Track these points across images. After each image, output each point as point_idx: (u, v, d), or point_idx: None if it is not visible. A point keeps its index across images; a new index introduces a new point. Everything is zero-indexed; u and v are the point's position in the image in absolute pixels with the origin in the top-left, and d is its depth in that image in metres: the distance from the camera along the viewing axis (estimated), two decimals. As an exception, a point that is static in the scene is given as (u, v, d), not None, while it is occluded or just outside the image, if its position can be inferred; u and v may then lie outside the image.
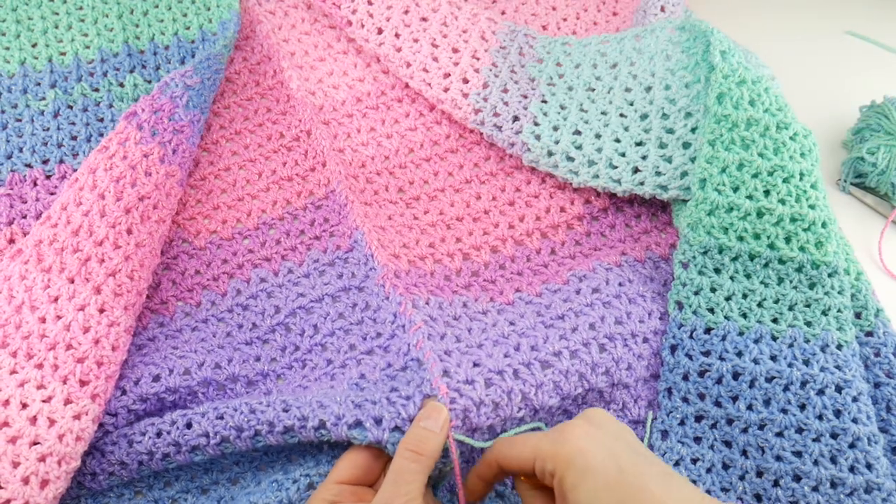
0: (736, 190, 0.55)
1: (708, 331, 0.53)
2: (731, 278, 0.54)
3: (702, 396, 0.52)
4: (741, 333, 0.53)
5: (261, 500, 0.48)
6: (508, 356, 0.50)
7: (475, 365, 0.49)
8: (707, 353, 0.52)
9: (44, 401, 0.48)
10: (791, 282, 0.54)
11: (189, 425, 0.49)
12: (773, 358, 0.52)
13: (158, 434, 0.49)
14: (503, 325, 0.54)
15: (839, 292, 0.53)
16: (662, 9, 0.68)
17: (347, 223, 0.60)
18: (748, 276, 0.54)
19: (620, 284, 0.56)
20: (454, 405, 0.46)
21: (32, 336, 0.50)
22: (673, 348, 0.53)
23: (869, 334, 0.55)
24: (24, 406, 0.48)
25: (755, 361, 0.51)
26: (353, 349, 0.55)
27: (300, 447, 0.50)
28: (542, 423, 0.52)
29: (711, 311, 0.54)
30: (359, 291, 0.57)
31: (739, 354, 0.52)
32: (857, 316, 0.55)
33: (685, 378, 0.52)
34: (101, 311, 0.52)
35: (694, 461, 0.51)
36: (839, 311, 0.53)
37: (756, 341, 0.52)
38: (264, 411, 0.48)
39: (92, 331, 0.51)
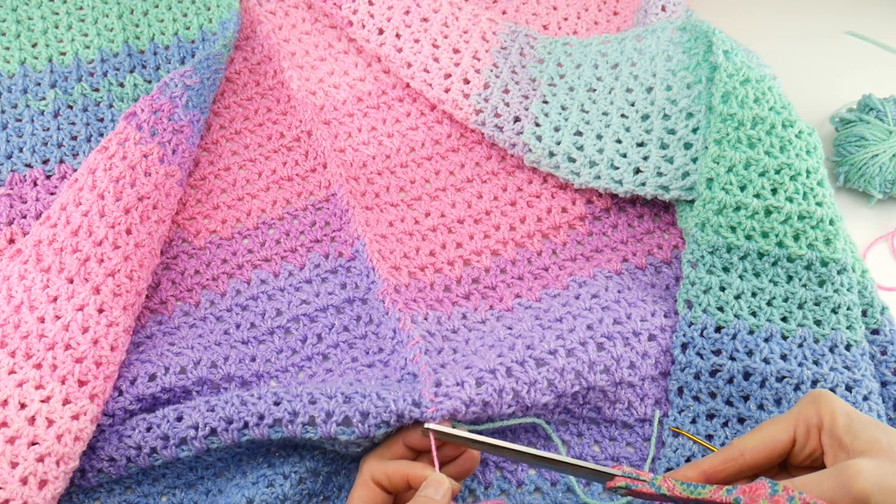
0: (743, 189, 0.55)
1: (718, 329, 0.53)
2: (740, 277, 0.54)
3: (713, 395, 0.52)
4: (751, 332, 0.53)
5: (257, 498, 0.48)
6: (502, 355, 0.50)
7: (466, 367, 0.49)
8: (718, 352, 0.52)
9: (42, 401, 0.48)
10: (800, 279, 0.54)
11: (180, 418, 0.49)
12: (784, 357, 0.52)
13: (148, 428, 0.50)
14: (501, 330, 0.54)
15: (848, 289, 0.53)
16: (663, 8, 0.68)
17: (349, 231, 0.60)
18: (757, 275, 0.54)
19: (619, 291, 0.56)
20: (441, 407, 0.46)
21: (31, 336, 0.50)
22: (684, 346, 0.53)
23: (875, 332, 0.54)
24: (23, 406, 0.48)
25: (766, 361, 0.51)
26: (354, 361, 0.56)
27: (282, 441, 0.50)
28: (539, 419, 0.51)
29: (721, 309, 0.54)
30: (362, 304, 0.58)
31: (750, 353, 0.52)
32: (864, 314, 0.55)
33: (697, 377, 0.52)
34: (100, 311, 0.52)
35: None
36: (849, 308, 0.53)
37: (766, 340, 0.52)
38: (255, 403, 0.48)
39: (91, 331, 0.51)
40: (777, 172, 0.54)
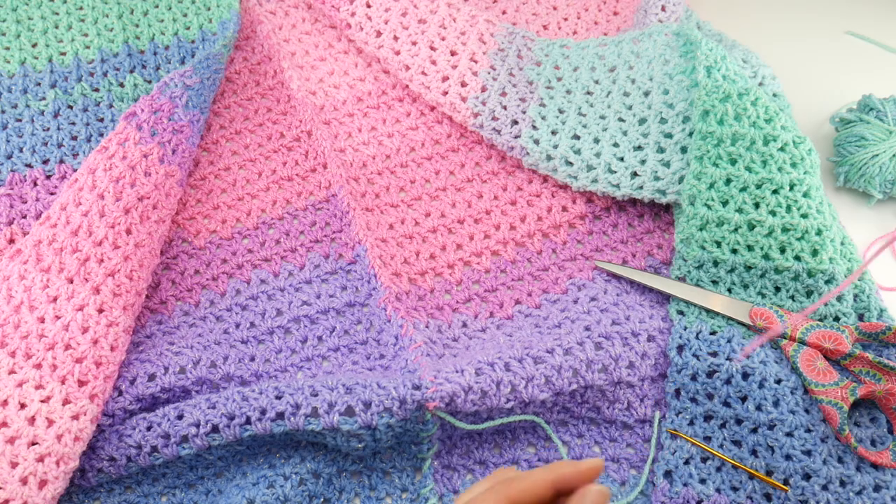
0: (725, 204, 0.55)
1: (713, 332, 0.53)
2: (729, 290, 0.55)
3: (710, 396, 0.52)
4: (745, 337, 0.53)
5: (257, 499, 0.48)
6: (500, 352, 0.51)
7: (466, 361, 0.50)
8: (714, 354, 0.52)
9: (42, 401, 0.48)
10: (788, 291, 0.54)
11: (180, 416, 0.50)
12: (778, 361, 0.52)
13: (149, 427, 0.50)
14: (501, 337, 0.55)
15: (837, 299, 0.53)
16: (663, 8, 0.68)
17: (350, 234, 0.61)
18: (745, 287, 0.55)
19: (618, 294, 0.56)
20: (441, 389, 0.47)
21: (31, 336, 0.50)
22: (680, 349, 0.53)
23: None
24: (23, 406, 0.48)
25: (763, 363, 0.51)
26: (355, 365, 0.56)
27: (282, 440, 0.51)
28: (539, 418, 0.51)
29: (713, 317, 0.54)
30: (362, 307, 0.58)
31: (748, 356, 0.52)
32: (860, 318, 0.54)
33: (693, 378, 0.52)
34: (100, 311, 0.52)
35: (704, 460, 0.50)
36: (836, 318, 0.53)
37: (762, 345, 0.52)
38: (257, 398, 0.49)
39: (91, 331, 0.51)
40: (758, 187, 0.54)
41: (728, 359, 0.52)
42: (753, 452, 0.50)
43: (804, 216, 0.53)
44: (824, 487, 0.48)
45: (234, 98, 0.70)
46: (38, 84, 0.68)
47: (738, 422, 0.51)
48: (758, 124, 0.55)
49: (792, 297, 0.54)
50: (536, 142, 0.63)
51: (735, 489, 0.49)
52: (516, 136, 0.63)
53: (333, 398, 0.48)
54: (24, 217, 0.61)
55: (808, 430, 0.49)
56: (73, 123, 0.66)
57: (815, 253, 0.53)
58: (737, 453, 0.50)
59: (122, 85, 0.69)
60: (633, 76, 0.63)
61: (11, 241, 0.59)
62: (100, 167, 0.56)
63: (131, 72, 0.70)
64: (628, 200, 0.63)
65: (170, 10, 0.74)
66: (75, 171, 0.62)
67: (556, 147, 0.62)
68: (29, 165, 0.63)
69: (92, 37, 0.71)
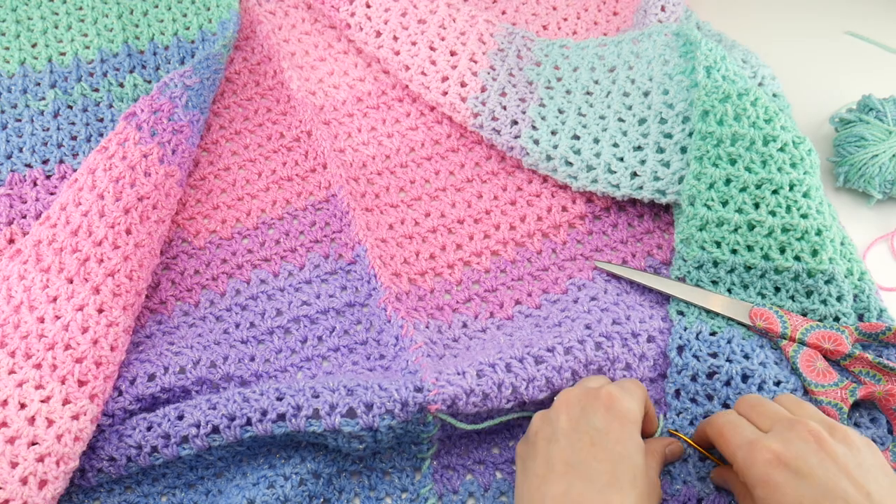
0: (725, 204, 0.55)
1: (713, 333, 0.53)
2: (729, 290, 0.55)
3: (710, 397, 0.52)
4: (745, 338, 0.53)
5: (257, 499, 0.48)
6: (501, 352, 0.51)
7: (468, 363, 0.50)
8: (714, 355, 0.52)
9: (42, 401, 0.48)
10: (787, 291, 0.54)
11: (181, 417, 0.50)
12: (778, 362, 0.52)
13: (149, 427, 0.50)
14: (501, 337, 0.55)
15: (837, 299, 0.53)
16: (663, 8, 0.68)
17: (350, 234, 0.61)
18: (745, 287, 0.55)
19: (619, 294, 0.56)
20: (443, 391, 0.47)
21: (31, 336, 0.50)
22: (680, 349, 0.53)
23: (872, 335, 0.54)
24: (23, 406, 0.48)
25: (763, 364, 0.51)
26: (355, 365, 0.56)
27: (283, 441, 0.51)
28: (532, 413, 0.52)
29: (713, 318, 0.54)
30: (362, 308, 0.58)
31: (747, 357, 0.52)
32: (860, 318, 0.54)
33: (693, 379, 0.52)
34: (100, 311, 0.52)
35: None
36: (836, 319, 0.53)
37: (762, 346, 0.52)
38: (257, 399, 0.49)
39: (90, 331, 0.51)
40: (758, 188, 0.54)
41: (728, 360, 0.52)
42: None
43: (804, 216, 0.54)
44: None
45: (234, 98, 0.70)
46: (38, 84, 0.68)
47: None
48: (757, 124, 0.55)
49: (792, 298, 0.54)
50: (536, 142, 0.63)
51: (734, 489, 0.49)
52: (516, 137, 0.63)
53: (335, 400, 0.48)
54: (24, 217, 0.61)
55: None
56: (73, 123, 0.66)
57: (814, 253, 0.53)
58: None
59: (121, 85, 0.69)
60: (632, 76, 0.63)
61: (11, 241, 0.59)
62: (100, 167, 0.56)
63: (131, 72, 0.70)
64: (628, 200, 0.63)
65: (170, 10, 0.74)
66: (75, 171, 0.62)
67: (555, 147, 0.62)
68: (29, 165, 0.64)
69: (92, 37, 0.71)
